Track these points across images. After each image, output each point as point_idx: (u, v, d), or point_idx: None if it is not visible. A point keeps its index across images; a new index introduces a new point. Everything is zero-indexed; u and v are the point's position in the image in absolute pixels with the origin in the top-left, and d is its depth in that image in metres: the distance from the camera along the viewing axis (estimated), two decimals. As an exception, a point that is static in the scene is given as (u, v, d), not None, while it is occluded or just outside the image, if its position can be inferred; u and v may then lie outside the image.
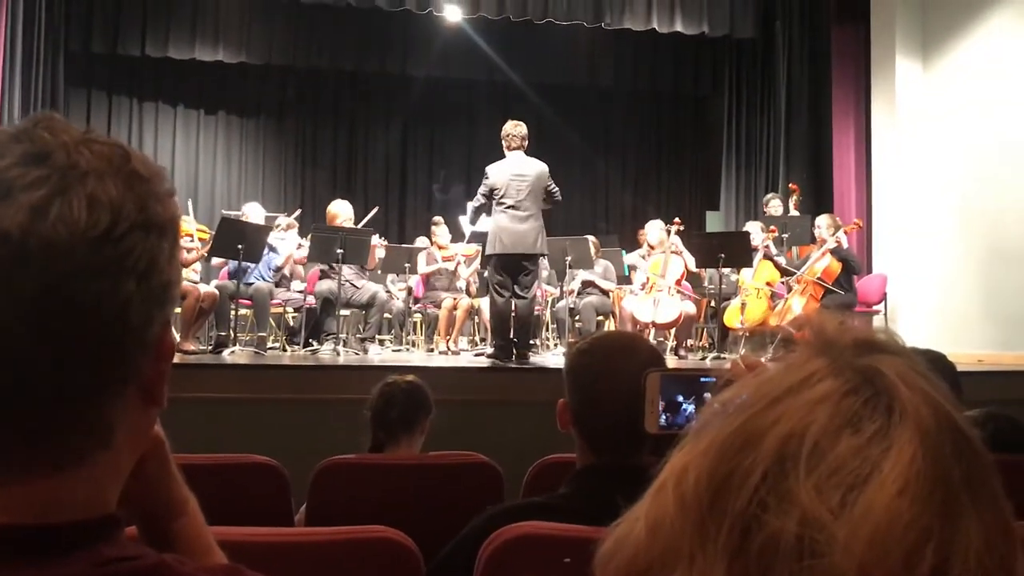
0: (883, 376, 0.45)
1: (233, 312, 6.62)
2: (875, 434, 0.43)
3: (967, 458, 0.44)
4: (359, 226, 7.31)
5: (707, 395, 1.05)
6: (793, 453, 0.42)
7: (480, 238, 7.33)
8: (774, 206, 8.40)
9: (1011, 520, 0.45)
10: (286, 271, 7.34)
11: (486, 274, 6.77)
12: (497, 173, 5.93)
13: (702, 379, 1.09)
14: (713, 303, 7.76)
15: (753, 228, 7.50)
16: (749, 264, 7.17)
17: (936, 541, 0.41)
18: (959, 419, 0.45)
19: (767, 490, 0.42)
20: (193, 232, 6.96)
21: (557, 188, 6.13)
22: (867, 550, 0.40)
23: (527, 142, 6.07)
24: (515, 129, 6.06)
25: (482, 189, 5.99)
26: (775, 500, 0.42)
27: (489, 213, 6.06)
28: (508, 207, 5.86)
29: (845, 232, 7.21)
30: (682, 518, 0.44)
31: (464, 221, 8.95)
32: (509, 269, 5.93)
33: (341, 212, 7.10)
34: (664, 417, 1.10)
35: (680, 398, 1.09)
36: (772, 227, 7.64)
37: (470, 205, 6.13)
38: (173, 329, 0.69)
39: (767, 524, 0.41)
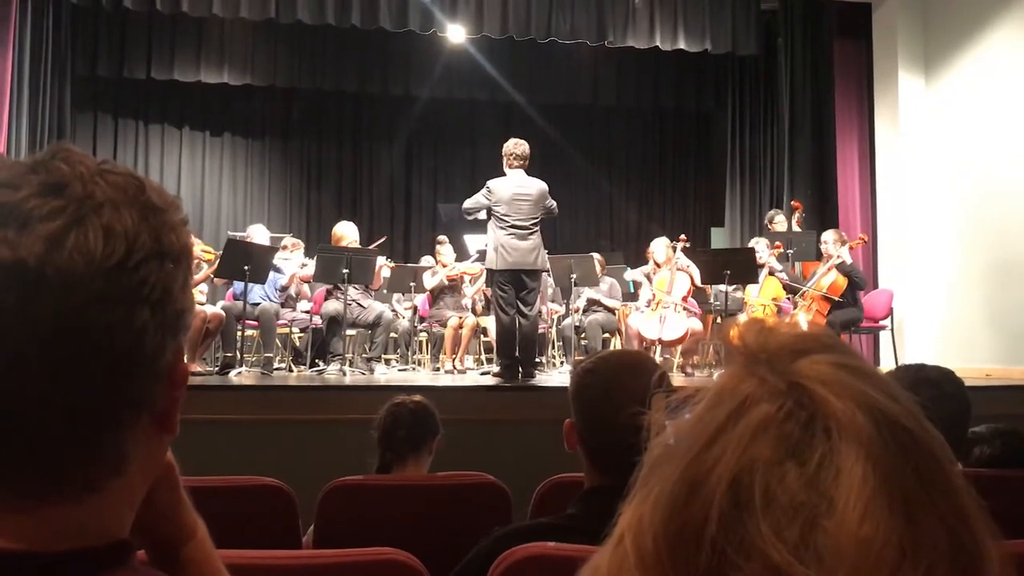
0: (810, 392, 0.43)
1: (239, 333, 6.62)
2: (821, 462, 0.41)
3: (913, 451, 0.43)
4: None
5: None
6: (745, 497, 0.41)
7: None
8: (779, 222, 8.40)
9: (968, 503, 0.43)
10: (292, 291, 7.36)
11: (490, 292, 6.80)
12: (500, 189, 5.95)
13: None
14: (719, 319, 7.74)
15: (759, 244, 7.50)
16: (754, 280, 7.16)
17: (911, 553, 0.40)
18: (896, 411, 0.43)
19: (725, 540, 0.41)
20: (202, 252, 6.98)
21: (555, 203, 6.17)
22: None
23: (528, 161, 6.10)
24: (516, 148, 6.08)
25: (481, 200, 6.00)
26: (735, 551, 0.40)
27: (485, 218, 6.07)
28: (510, 225, 5.89)
29: (850, 247, 7.20)
30: None
31: (469, 240, 8.96)
32: (511, 284, 5.95)
33: (347, 234, 7.12)
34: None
35: (688, 416, 1.08)
36: (777, 243, 7.63)
37: (468, 204, 6.12)
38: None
39: None
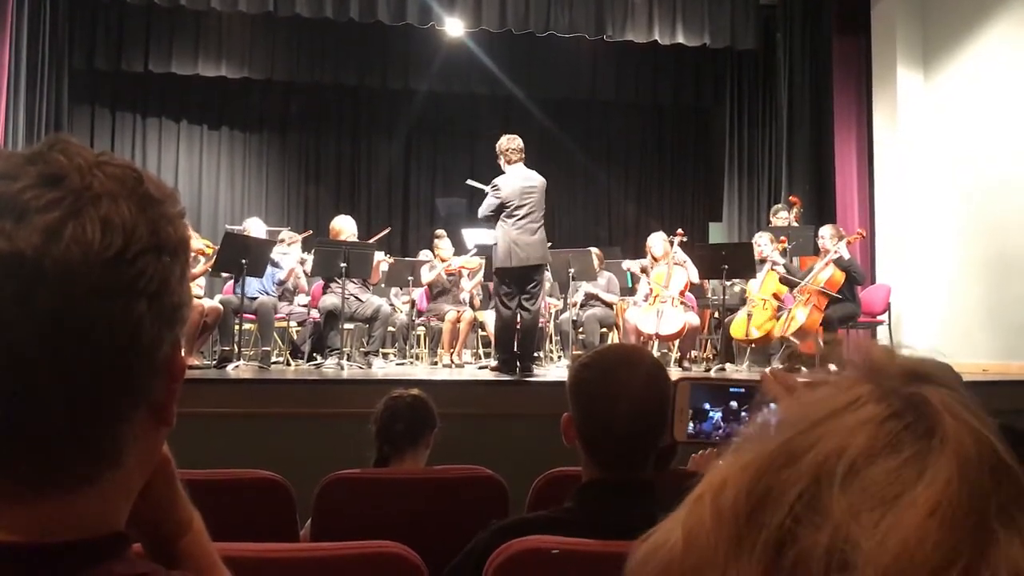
0: (928, 404, 0.46)
1: (237, 327, 6.62)
2: (913, 456, 0.43)
3: (1006, 490, 0.44)
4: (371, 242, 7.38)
5: (733, 404, 1.06)
6: (829, 471, 0.43)
7: (484, 251, 7.34)
8: (782, 217, 8.40)
9: None
10: (289, 285, 7.35)
11: (491, 286, 6.81)
12: (508, 186, 5.93)
13: (731, 389, 1.09)
14: (717, 314, 7.75)
15: (762, 238, 7.50)
16: (753, 275, 7.16)
17: (963, 565, 0.41)
18: (1004, 453, 0.45)
19: (803, 506, 0.43)
20: (203, 247, 6.97)
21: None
22: (892, 564, 0.41)
23: (524, 154, 6.10)
24: (511, 143, 6.08)
25: (492, 201, 5.97)
26: (809, 515, 0.43)
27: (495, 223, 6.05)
28: (520, 219, 5.87)
29: (848, 242, 7.20)
30: (718, 530, 0.45)
31: (467, 233, 8.96)
32: (517, 280, 5.95)
33: (345, 228, 7.11)
34: (692, 425, 1.10)
35: (707, 406, 1.08)
36: (782, 237, 7.63)
37: (483, 210, 6.09)
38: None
39: (800, 538, 0.42)
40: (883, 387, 0.47)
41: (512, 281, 5.95)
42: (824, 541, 0.42)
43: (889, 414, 0.45)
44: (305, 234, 8.08)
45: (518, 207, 5.87)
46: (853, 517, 0.42)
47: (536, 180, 6.00)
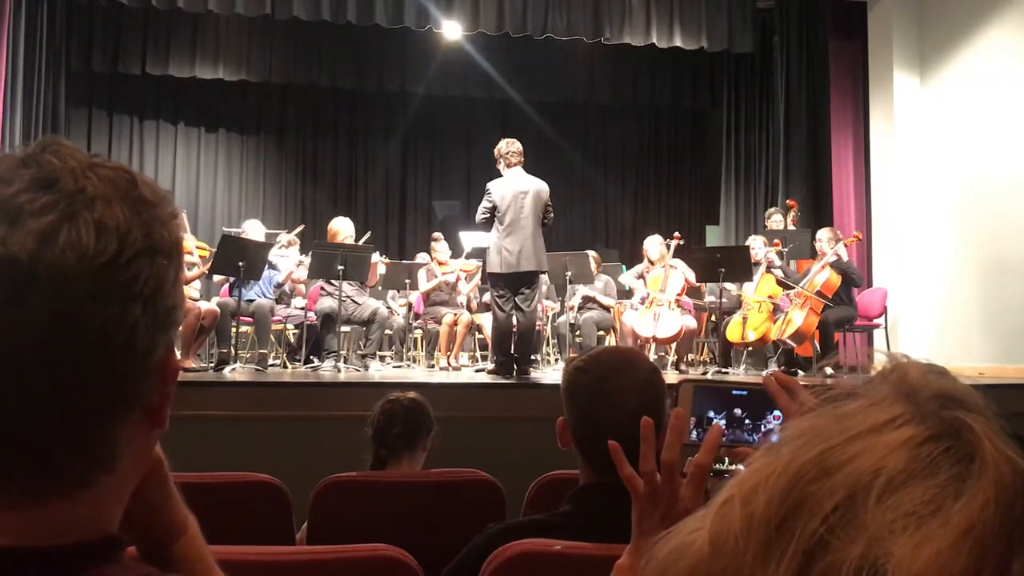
0: (971, 431, 0.46)
1: (234, 329, 6.61)
2: (950, 479, 0.44)
3: None
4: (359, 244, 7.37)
5: (737, 411, 1.05)
6: (865, 487, 0.44)
7: (480, 254, 7.35)
8: (776, 220, 8.42)
9: None
10: (286, 287, 7.35)
11: (486, 297, 6.81)
12: (499, 189, 5.96)
13: (734, 392, 1.09)
14: (714, 317, 7.75)
15: (756, 242, 7.50)
16: (749, 278, 7.17)
17: None
18: None
19: (837, 518, 0.43)
20: (193, 249, 6.97)
21: (552, 213, 6.16)
22: (922, 574, 0.41)
23: (523, 158, 6.11)
24: (511, 146, 6.09)
25: (485, 205, 6.01)
26: (843, 527, 0.43)
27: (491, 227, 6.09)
28: (509, 225, 5.88)
29: (845, 245, 7.21)
30: (747, 537, 0.45)
31: (464, 236, 8.96)
32: (510, 284, 5.95)
33: (342, 229, 7.11)
34: (695, 433, 1.09)
35: (711, 414, 1.08)
36: (776, 240, 7.64)
37: (479, 215, 6.15)
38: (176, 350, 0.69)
39: (833, 549, 0.43)
40: (921, 409, 0.47)
41: (504, 285, 5.96)
42: (857, 552, 0.42)
43: (928, 436, 0.45)
44: (299, 228, 8.08)
45: (507, 213, 5.88)
46: (888, 531, 0.42)
47: (529, 186, 5.98)
